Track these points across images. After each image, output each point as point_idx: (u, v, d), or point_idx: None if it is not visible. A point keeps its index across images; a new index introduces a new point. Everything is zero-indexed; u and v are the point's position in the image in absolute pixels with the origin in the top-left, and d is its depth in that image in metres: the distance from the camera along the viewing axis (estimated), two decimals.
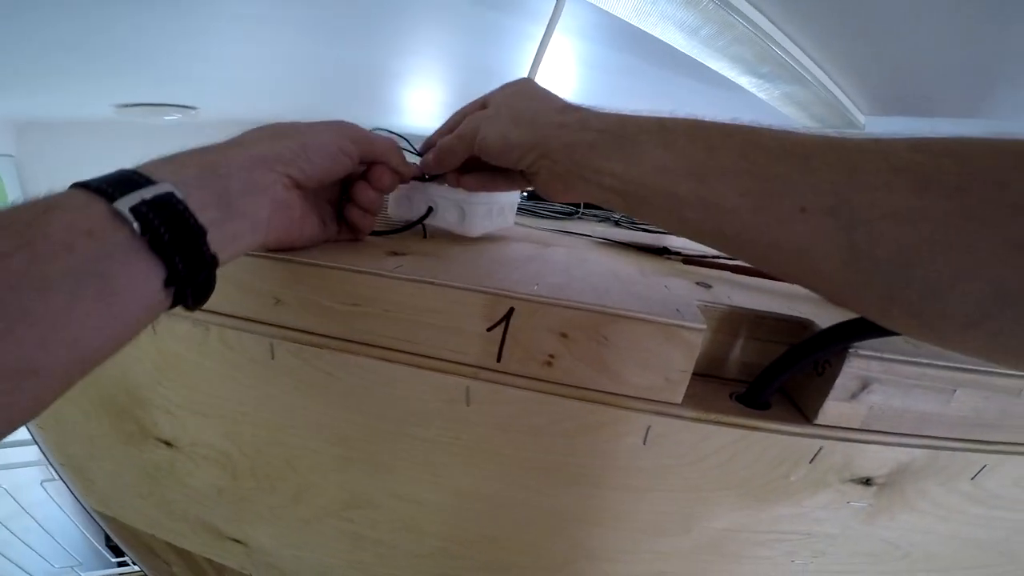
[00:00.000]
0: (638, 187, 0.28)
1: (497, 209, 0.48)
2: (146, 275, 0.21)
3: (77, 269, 0.18)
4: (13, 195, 2.35)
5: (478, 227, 0.45)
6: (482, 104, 0.38)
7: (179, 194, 0.22)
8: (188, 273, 0.22)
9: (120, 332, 0.21)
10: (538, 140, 0.32)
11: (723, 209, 0.25)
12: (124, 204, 0.20)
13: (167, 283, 0.21)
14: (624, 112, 0.30)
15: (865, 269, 0.21)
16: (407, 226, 0.44)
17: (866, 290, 0.22)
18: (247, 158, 0.28)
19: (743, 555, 0.35)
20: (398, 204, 0.45)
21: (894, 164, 0.21)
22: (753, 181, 0.24)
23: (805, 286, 0.26)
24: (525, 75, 0.98)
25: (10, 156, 2.36)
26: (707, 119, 0.27)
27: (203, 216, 0.23)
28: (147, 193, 0.21)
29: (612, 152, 0.29)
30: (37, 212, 0.19)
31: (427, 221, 0.44)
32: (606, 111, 0.31)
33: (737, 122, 0.26)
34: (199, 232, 0.23)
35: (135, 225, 0.20)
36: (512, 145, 0.33)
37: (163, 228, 0.21)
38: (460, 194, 0.42)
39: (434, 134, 0.42)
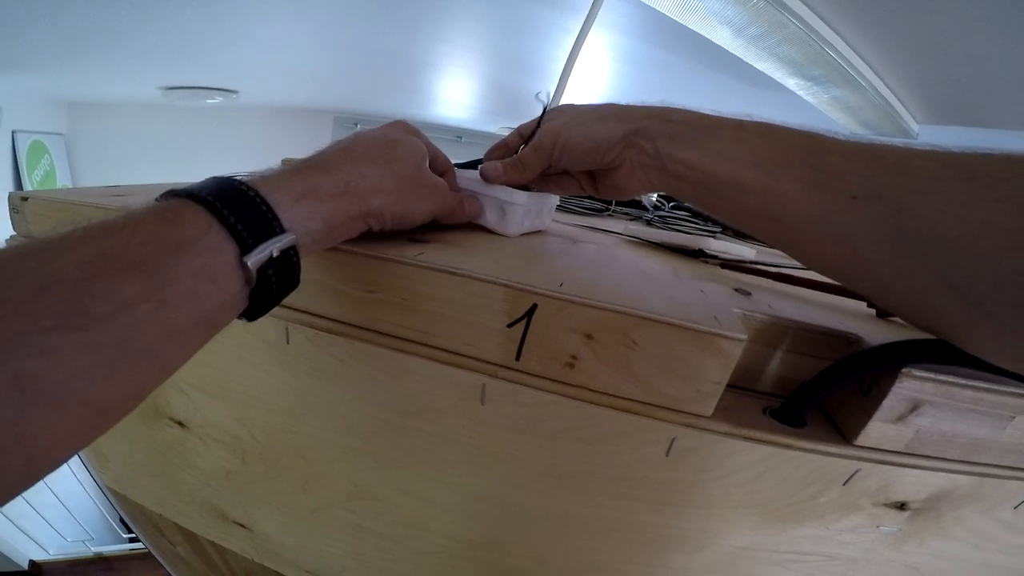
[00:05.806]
0: (708, 176, 0.30)
1: (536, 211, 0.46)
2: (237, 314, 0.23)
3: (195, 316, 0.20)
4: (61, 171, 2.45)
5: (516, 227, 0.43)
6: (532, 131, 0.40)
7: (298, 246, 0.24)
8: (263, 313, 0.24)
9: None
10: (627, 131, 0.34)
11: (781, 195, 0.27)
12: (254, 261, 0.21)
13: (244, 316, 0.24)
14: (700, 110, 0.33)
15: (913, 253, 0.22)
16: None
17: (916, 274, 0.23)
18: (355, 213, 0.28)
19: (759, 575, 0.33)
20: None
21: (943, 160, 0.22)
22: (810, 172, 0.26)
23: (854, 280, 0.27)
24: (560, 69, 0.96)
25: (60, 134, 2.47)
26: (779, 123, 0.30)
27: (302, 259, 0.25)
28: (275, 247, 0.22)
29: (690, 144, 0.31)
30: (169, 252, 0.19)
31: None
32: (682, 107, 0.34)
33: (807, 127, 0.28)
34: (297, 282, 0.25)
35: (254, 282, 0.22)
36: (600, 141, 0.35)
37: (275, 285, 0.23)
38: (501, 192, 0.41)
39: (493, 149, 0.44)
